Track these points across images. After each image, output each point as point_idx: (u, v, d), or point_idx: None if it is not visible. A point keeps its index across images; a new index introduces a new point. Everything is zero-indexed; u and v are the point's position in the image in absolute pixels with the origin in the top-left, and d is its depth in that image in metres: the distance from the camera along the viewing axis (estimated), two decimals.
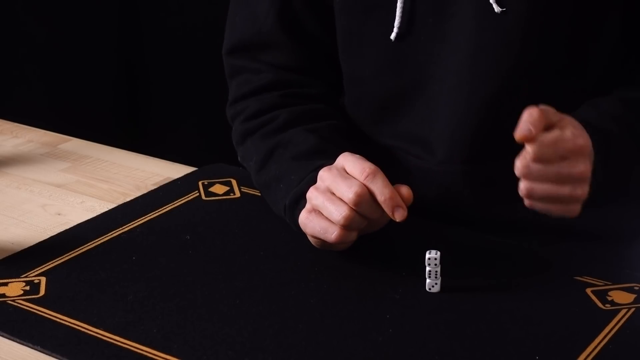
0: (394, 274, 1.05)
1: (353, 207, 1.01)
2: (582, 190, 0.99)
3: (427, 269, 1.01)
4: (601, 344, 0.94)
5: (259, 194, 1.23)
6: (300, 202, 1.09)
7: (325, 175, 1.04)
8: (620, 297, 1.02)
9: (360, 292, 1.03)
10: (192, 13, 2.34)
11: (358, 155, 1.04)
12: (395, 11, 1.14)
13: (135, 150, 1.45)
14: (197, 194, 1.26)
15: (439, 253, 1.01)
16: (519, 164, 0.96)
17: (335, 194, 1.02)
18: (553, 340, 0.94)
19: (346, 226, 1.02)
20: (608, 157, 1.04)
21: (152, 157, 1.42)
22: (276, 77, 1.23)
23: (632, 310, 0.99)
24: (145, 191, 1.29)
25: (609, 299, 1.01)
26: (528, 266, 1.07)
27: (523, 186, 0.97)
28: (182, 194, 1.26)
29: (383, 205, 1.01)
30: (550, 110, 0.99)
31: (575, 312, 0.99)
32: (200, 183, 1.29)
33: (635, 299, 1.01)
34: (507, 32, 1.10)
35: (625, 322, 0.97)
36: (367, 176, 1.01)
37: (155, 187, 1.30)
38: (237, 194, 1.26)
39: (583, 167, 0.98)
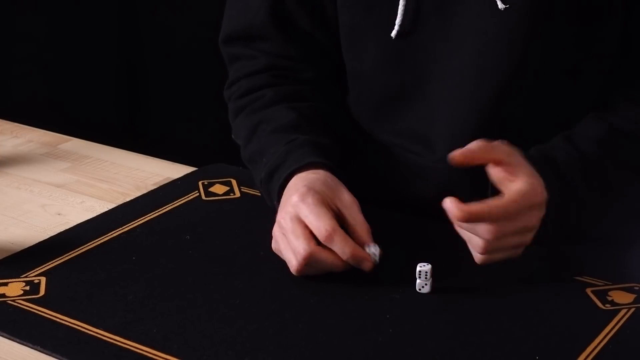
0: (394, 274, 1.05)
1: (304, 264, 1.03)
2: (529, 238, 1.01)
3: (418, 269, 1.02)
4: (601, 344, 0.94)
5: (259, 194, 1.23)
6: (274, 176, 1.11)
7: (281, 223, 1.05)
8: (620, 297, 1.02)
9: (360, 292, 1.03)
10: (192, 13, 2.34)
11: (315, 203, 1.03)
12: (397, 9, 1.14)
13: (135, 150, 1.45)
14: (197, 194, 1.26)
15: (429, 265, 1.02)
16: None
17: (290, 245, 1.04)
18: (553, 340, 0.94)
19: (301, 272, 1.04)
20: (570, 199, 1.05)
21: (152, 157, 1.42)
22: (269, 62, 1.26)
23: (632, 310, 0.99)
24: (145, 191, 1.29)
25: (609, 299, 1.01)
26: (528, 266, 1.07)
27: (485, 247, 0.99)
28: (182, 194, 1.26)
29: (348, 262, 1.02)
30: (502, 148, 1.01)
31: (575, 312, 0.99)
32: (200, 183, 1.29)
33: (635, 299, 1.01)
34: (510, 29, 1.10)
35: (625, 322, 0.97)
36: (325, 239, 1.01)
37: (155, 187, 1.30)
38: (237, 194, 1.26)
39: (535, 219, 1.00)
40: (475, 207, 0.97)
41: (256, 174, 1.18)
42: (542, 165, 1.04)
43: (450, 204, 0.97)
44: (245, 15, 1.25)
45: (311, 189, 1.05)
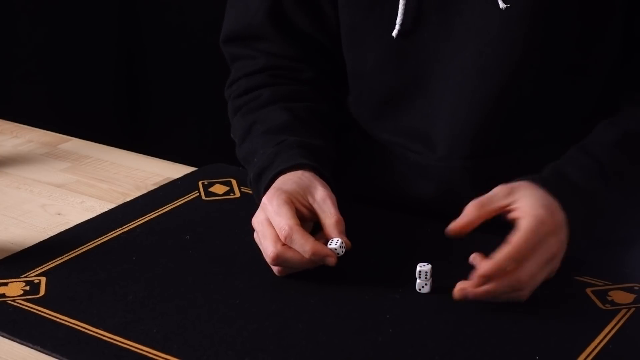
0: (394, 274, 1.05)
1: (274, 264, 1.04)
2: (558, 263, 1.01)
3: (418, 269, 1.02)
4: (601, 344, 0.94)
5: None
6: (262, 177, 1.12)
7: (255, 227, 1.06)
8: (620, 297, 1.02)
9: (360, 292, 1.03)
10: (192, 13, 2.34)
11: (279, 204, 1.04)
12: (398, 8, 1.14)
13: (135, 150, 1.45)
14: (197, 194, 1.26)
15: (429, 265, 1.02)
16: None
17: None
18: (553, 340, 0.94)
19: (280, 272, 1.05)
20: (591, 213, 1.04)
21: (152, 157, 1.42)
22: (268, 62, 1.27)
23: (632, 310, 0.99)
24: (145, 191, 1.29)
25: (609, 299, 1.01)
26: None
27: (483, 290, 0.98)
28: (182, 194, 1.26)
29: (312, 259, 1.02)
30: (497, 195, 1.01)
31: (575, 312, 0.99)
32: (200, 183, 1.29)
33: (635, 299, 1.01)
34: (512, 29, 1.10)
35: (625, 322, 0.97)
36: (285, 238, 1.02)
37: (155, 187, 1.30)
38: (237, 194, 1.26)
39: (555, 246, 1.00)
40: (486, 267, 0.97)
41: (249, 174, 1.19)
42: (556, 185, 1.03)
43: (463, 285, 0.98)
44: (244, 15, 1.26)
45: (279, 189, 1.06)
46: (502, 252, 0.97)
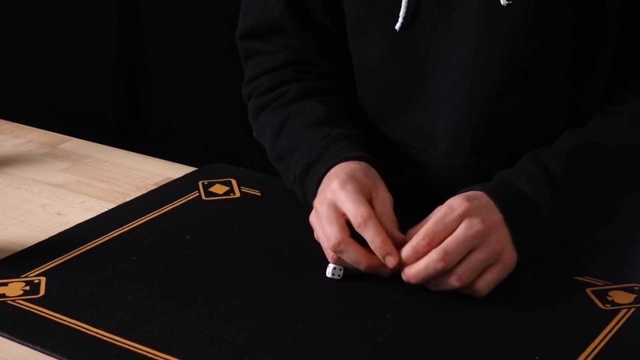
0: (394, 274, 1.05)
1: (335, 250, 1.03)
2: (491, 249, 1.00)
3: None
4: (601, 344, 0.94)
5: (259, 194, 1.23)
6: (309, 172, 1.11)
7: (318, 209, 1.05)
8: (620, 297, 1.02)
9: (360, 292, 1.03)
10: (192, 13, 2.34)
11: (352, 191, 1.03)
12: (401, 1, 1.14)
13: (135, 150, 1.45)
14: (197, 194, 1.26)
15: None
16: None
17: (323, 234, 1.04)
18: (553, 340, 0.94)
19: (335, 260, 1.04)
20: (542, 217, 1.03)
21: (152, 157, 1.42)
22: (289, 57, 1.26)
23: (632, 310, 0.99)
24: (145, 191, 1.29)
25: (609, 299, 1.01)
26: (528, 266, 1.07)
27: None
28: (182, 194, 1.26)
29: (375, 252, 1.02)
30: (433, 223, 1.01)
31: (575, 312, 0.99)
32: (200, 183, 1.29)
33: (635, 299, 1.01)
34: (512, 25, 1.10)
35: (625, 322, 0.97)
36: (360, 225, 1.01)
37: (155, 187, 1.30)
38: (237, 194, 1.26)
39: (470, 229, 0.99)
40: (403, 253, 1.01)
41: (285, 171, 1.18)
42: (497, 189, 1.04)
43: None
44: (263, 9, 1.26)
45: (352, 177, 1.05)
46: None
